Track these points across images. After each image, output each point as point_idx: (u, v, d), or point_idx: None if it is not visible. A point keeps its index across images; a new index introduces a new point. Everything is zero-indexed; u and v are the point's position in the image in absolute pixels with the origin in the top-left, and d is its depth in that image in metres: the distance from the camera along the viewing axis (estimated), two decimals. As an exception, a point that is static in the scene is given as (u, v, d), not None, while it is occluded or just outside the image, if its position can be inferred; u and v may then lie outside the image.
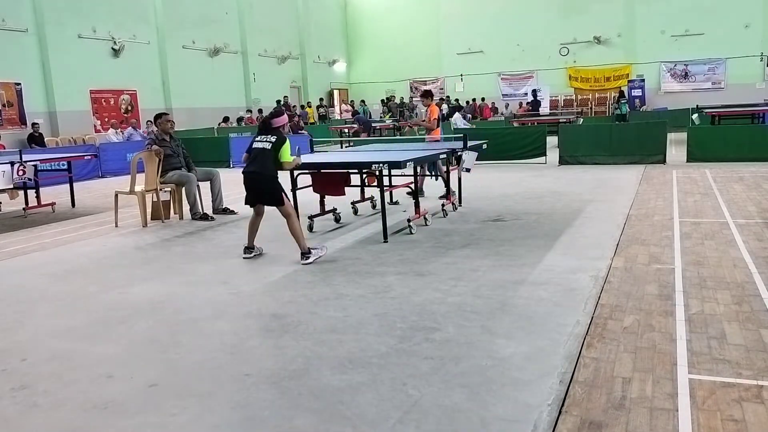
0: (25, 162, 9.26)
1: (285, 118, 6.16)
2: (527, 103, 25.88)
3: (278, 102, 27.72)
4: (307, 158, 7.80)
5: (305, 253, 5.87)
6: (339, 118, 27.92)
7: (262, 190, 5.96)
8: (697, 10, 25.85)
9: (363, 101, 29.63)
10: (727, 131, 13.95)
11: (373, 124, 24.17)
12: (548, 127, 15.61)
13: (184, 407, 3.09)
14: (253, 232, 6.24)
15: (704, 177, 10.45)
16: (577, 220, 7.32)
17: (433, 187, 9.54)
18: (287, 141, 6.05)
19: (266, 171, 5.91)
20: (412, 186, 8.01)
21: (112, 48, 20.09)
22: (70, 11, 18.60)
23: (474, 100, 28.37)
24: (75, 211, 9.93)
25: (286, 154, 6.04)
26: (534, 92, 25.79)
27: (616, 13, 27.44)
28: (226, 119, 24.02)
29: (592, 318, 4.04)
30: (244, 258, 6.19)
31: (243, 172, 6.04)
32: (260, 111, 25.07)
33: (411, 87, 32.06)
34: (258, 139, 6.03)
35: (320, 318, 4.32)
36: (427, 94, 9.96)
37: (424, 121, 9.80)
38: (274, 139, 5.95)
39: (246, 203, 6.15)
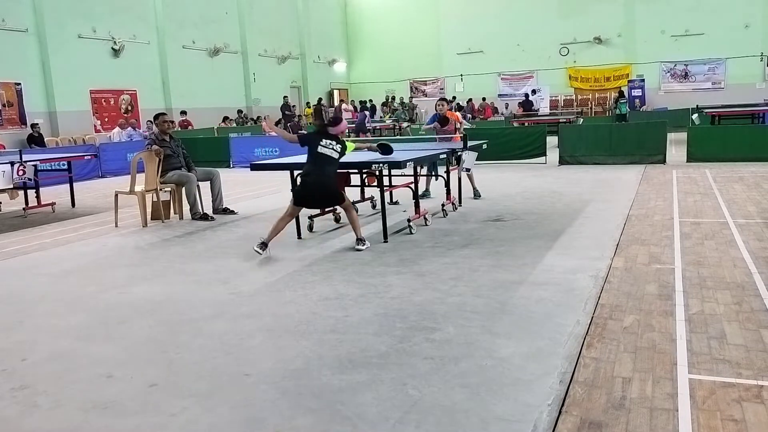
0: (25, 162, 9.26)
1: (345, 125, 6.55)
2: (518, 103, 26.23)
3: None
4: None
5: (361, 240, 6.28)
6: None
7: (326, 197, 6.32)
8: (697, 10, 25.86)
9: (370, 100, 29.55)
10: (727, 131, 13.96)
11: (367, 125, 23.42)
12: (548, 127, 15.60)
13: (184, 407, 3.09)
14: (278, 231, 6.26)
15: (704, 177, 10.46)
16: (577, 220, 7.32)
17: (432, 186, 9.55)
18: (346, 143, 6.45)
19: (332, 179, 6.23)
20: (412, 186, 8.00)
21: (112, 48, 20.09)
22: (70, 11, 18.60)
23: (470, 100, 28.37)
24: (75, 211, 9.93)
25: (349, 147, 6.52)
26: (527, 93, 26.17)
27: (616, 13, 27.44)
28: (225, 119, 24.02)
29: (592, 318, 4.04)
30: (255, 250, 6.09)
31: (306, 179, 6.23)
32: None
33: (411, 87, 32.07)
34: (323, 143, 6.20)
35: (320, 318, 4.32)
36: (444, 100, 10.08)
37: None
38: (340, 149, 6.24)
39: (295, 202, 6.31)
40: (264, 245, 6.18)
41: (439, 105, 9.61)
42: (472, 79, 30.02)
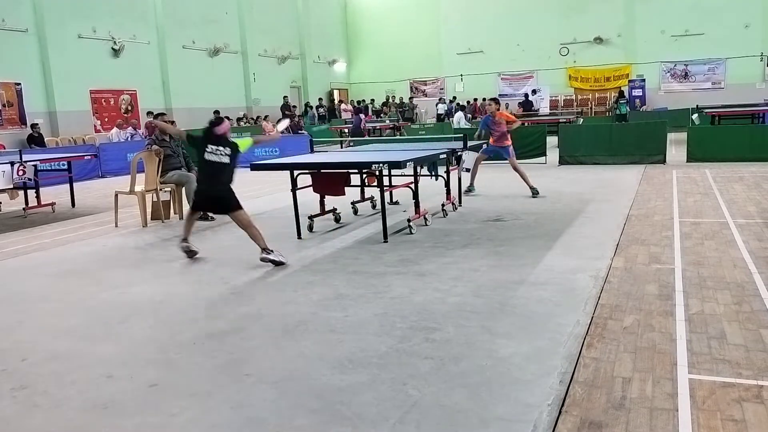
0: (25, 162, 9.26)
1: (227, 125, 6.18)
2: (519, 103, 26.34)
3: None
4: (307, 158, 7.81)
5: (267, 249, 5.83)
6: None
7: (219, 205, 6.13)
8: (697, 10, 25.84)
9: (364, 100, 29.59)
10: (727, 131, 13.95)
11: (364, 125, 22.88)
12: (548, 127, 15.60)
13: (184, 407, 3.09)
14: (189, 228, 6.35)
15: (704, 177, 10.46)
16: (577, 220, 7.32)
17: (432, 186, 9.53)
18: (237, 143, 6.10)
19: (225, 187, 5.98)
20: (412, 186, 8.00)
21: (112, 48, 20.08)
22: (70, 11, 18.58)
23: (475, 99, 28.37)
24: (75, 211, 9.93)
25: (244, 143, 6.17)
26: (527, 93, 26.29)
27: (616, 13, 27.43)
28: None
29: (592, 318, 4.04)
30: (180, 247, 6.28)
31: (200, 188, 6.12)
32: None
33: (411, 87, 32.06)
34: (209, 149, 5.94)
35: (320, 318, 4.32)
36: (493, 100, 10.27)
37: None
38: (230, 152, 5.96)
39: (195, 208, 6.32)
40: (186, 243, 6.32)
41: (488, 105, 10.00)
42: (472, 79, 30.00)
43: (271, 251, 5.82)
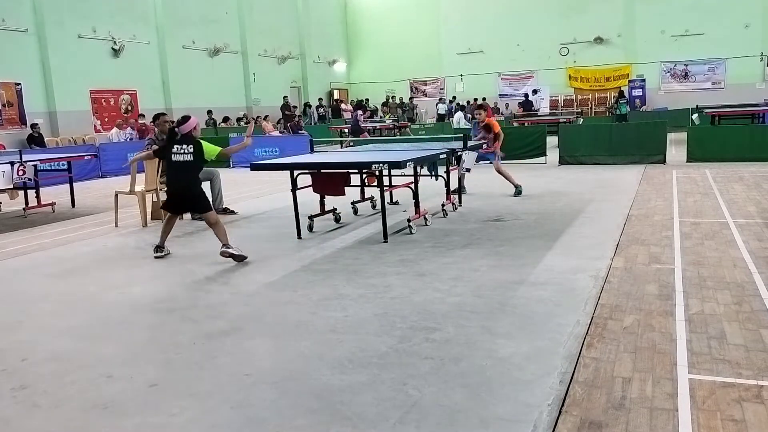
0: (25, 162, 9.26)
1: (193, 121, 6.22)
2: (519, 103, 26.38)
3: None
4: (307, 158, 7.80)
5: (227, 245, 5.99)
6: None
7: (189, 204, 6.26)
8: (697, 10, 25.86)
9: (367, 99, 29.62)
10: (727, 131, 13.96)
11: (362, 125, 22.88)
12: (548, 127, 15.61)
13: (184, 407, 3.09)
14: (167, 232, 6.45)
15: (704, 177, 10.45)
16: (577, 220, 7.32)
17: (432, 186, 9.53)
18: (202, 143, 6.19)
19: (193, 185, 6.13)
20: (412, 186, 8.00)
21: (112, 48, 20.10)
22: (70, 11, 18.60)
23: (476, 99, 28.35)
24: (75, 211, 9.93)
25: (211, 150, 6.20)
26: (527, 93, 26.34)
27: (616, 13, 27.45)
28: (226, 119, 24.01)
29: (592, 318, 4.04)
30: (155, 258, 6.35)
31: (169, 189, 6.27)
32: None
33: (411, 87, 32.08)
34: (174, 150, 6.08)
35: (320, 318, 4.32)
36: (481, 107, 10.17)
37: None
38: (193, 149, 6.06)
39: (166, 209, 6.36)
40: (160, 248, 6.42)
41: (477, 113, 9.88)
42: (472, 79, 30.02)
43: (231, 246, 5.99)
